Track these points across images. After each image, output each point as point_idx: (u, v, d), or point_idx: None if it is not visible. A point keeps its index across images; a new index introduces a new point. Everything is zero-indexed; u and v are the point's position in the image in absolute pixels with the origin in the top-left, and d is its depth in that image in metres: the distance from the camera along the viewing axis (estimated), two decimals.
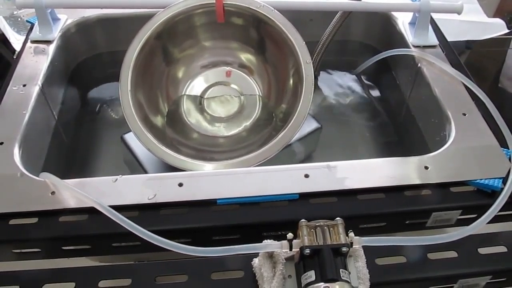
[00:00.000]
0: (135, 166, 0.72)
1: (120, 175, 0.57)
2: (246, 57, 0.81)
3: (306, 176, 0.58)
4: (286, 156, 0.71)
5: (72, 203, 0.54)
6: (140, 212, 0.54)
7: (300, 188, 0.57)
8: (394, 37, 0.84)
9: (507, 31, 1.08)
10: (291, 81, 0.74)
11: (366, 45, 0.93)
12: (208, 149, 0.75)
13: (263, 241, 0.48)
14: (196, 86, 0.81)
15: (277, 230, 0.55)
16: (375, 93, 0.92)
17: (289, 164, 0.60)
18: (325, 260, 0.44)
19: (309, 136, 0.76)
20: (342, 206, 0.56)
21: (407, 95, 0.82)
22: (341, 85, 0.93)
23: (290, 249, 0.46)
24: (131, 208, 0.54)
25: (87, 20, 0.84)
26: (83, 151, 0.83)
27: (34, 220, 0.54)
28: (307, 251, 0.45)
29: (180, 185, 0.56)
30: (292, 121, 0.66)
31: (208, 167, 0.64)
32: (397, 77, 0.86)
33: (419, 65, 0.76)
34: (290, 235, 0.46)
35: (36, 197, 0.55)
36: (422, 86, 0.75)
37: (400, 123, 0.85)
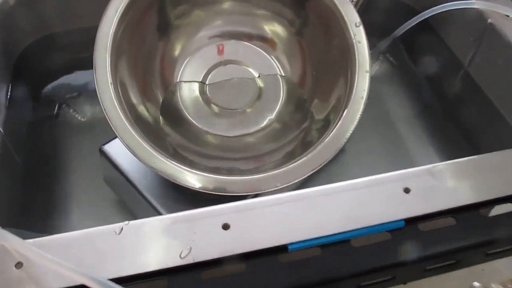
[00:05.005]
0: (121, 190, 0.50)
1: (127, 222, 0.35)
2: (272, 28, 0.60)
3: (406, 190, 0.39)
4: None
5: (51, 281, 0.32)
6: (169, 279, 0.33)
7: (403, 210, 0.38)
8: None
9: None
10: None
11: (400, 2, 0.74)
12: (225, 156, 0.55)
13: None
14: (194, 68, 0.59)
15: (374, 277, 0.37)
16: (419, 62, 0.74)
17: (383, 174, 0.40)
18: None
19: None
20: (467, 231, 0.38)
21: (465, 62, 0.64)
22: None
23: None
24: (154, 275, 0.33)
25: None
26: (43, 173, 0.59)
27: None
28: None
29: (226, 227, 0.35)
30: (345, 113, 0.48)
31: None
32: (447, 39, 0.68)
33: (489, 21, 0.58)
34: None
35: None
36: (495, 48, 0.57)
37: (456, 98, 0.68)
